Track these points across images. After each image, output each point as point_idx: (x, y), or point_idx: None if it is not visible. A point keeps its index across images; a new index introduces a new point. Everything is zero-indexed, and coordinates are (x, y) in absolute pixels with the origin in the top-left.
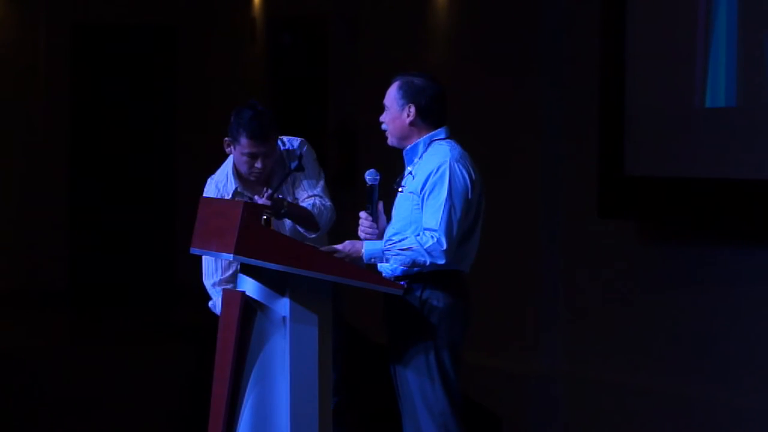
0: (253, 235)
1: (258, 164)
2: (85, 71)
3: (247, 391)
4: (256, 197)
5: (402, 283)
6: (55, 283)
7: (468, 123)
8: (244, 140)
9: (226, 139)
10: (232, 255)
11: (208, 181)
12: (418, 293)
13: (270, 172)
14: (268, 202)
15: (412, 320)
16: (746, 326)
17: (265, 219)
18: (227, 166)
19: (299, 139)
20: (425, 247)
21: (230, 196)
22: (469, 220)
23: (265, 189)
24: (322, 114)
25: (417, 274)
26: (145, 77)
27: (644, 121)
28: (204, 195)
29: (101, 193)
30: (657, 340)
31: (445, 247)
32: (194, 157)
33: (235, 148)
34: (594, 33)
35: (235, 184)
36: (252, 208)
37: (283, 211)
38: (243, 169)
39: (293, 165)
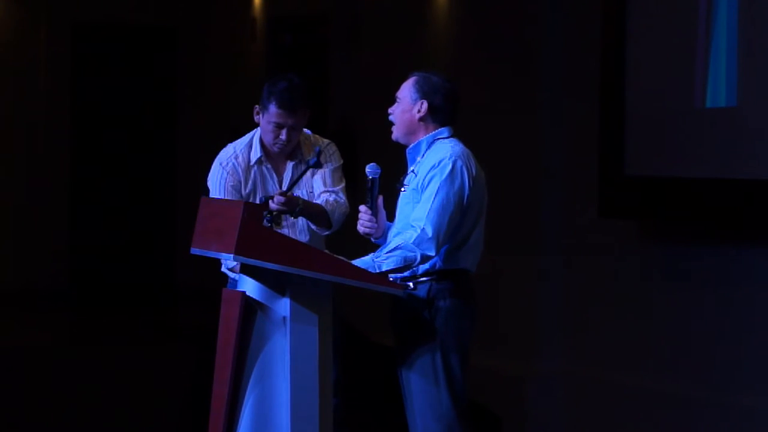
0: (253, 235)
1: (283, 136)
2: (85, 71)
3: (248, 391)
4: (270, 203)
5: (409, 284)
6: (56, 283)
7: (467, 122)
8: (273, 108)
9: (256, 107)
10: (232, 255)
11: (228, 145)
12: (424, 293)
13: (294, 149)
14: (283, 199)
15: (419, 321)
16: (746, 326)
17: (274, 216)
18: (252, 135)
19: (328, 141)
20: (411, 241)
21: (252, 163)
22: (471, 218)
23: (278, 189)
24: (322, 114)
25: (423, 274)
26: (145, 77)
27: (644, 121)
28: (218, 157)
29: (102, 193)
30: (657, 339)
31: (430, 235)
32: (194, 157)
33: (263, 116)
34: (594, 33)
35: (260, 152)
36: (252, 208)
37: (297, 209)
38: (268, 138)
39: (312, 161)
